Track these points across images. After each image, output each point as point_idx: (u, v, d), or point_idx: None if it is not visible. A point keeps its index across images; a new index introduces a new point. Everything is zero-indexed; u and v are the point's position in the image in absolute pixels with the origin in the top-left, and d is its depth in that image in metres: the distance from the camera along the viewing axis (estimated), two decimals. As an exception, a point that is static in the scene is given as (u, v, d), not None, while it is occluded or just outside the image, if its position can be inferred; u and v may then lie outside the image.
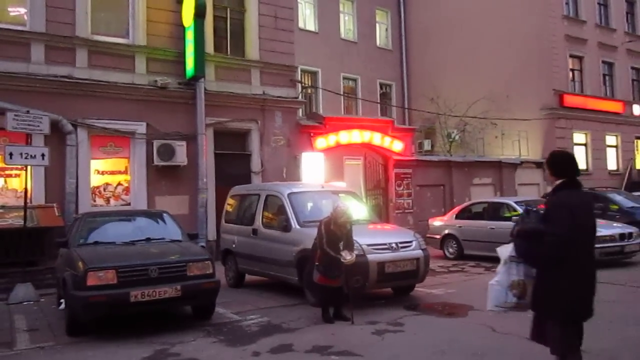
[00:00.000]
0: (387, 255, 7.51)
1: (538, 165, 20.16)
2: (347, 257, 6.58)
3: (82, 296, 6.06)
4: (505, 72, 21.40)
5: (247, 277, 9.69)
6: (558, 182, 3.86)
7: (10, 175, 10.96)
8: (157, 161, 11.94)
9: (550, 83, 20.96)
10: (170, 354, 5.66)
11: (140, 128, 12.02)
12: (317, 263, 6.68)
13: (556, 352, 3.89)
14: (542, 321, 3.90)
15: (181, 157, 12.16)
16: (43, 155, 9.01)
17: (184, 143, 12.23)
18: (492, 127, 20.07)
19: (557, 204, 3.78)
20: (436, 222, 13.64)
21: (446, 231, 13.03)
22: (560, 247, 3.66)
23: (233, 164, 13.33)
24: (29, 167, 9.58)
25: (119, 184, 12.04)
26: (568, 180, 3.84)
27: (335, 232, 6.70)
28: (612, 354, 5.18)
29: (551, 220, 3.74)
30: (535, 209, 4.27)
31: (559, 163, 3.92)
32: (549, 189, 19.38)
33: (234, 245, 9.60)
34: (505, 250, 4.14)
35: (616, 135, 23.59)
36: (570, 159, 3.92)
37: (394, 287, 8.24)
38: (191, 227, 10.65)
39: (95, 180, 11.74)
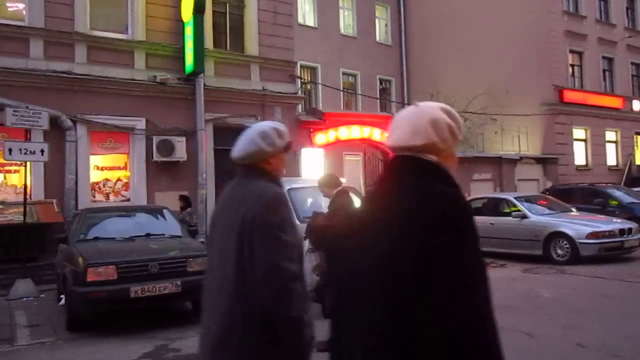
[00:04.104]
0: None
1: (538, 160, 20.17)
2: None
3: (82, 292, 6.06)
4: (505, 68, 21.35)
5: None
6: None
7: (9, 171, 10.94)
8: (156, 157, 11.93)
9: (550, 78, 20.92)
10: (170, 349, 5.67)
11: (140, 124, 12.00)
12: None
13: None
14: None
15: (181, 152, 12.14)
16: (42, 151, 9.00)
17: (183, 139, 12.22)
18: (492, 122, 20.03)
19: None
20: (436, 218, 13.61)
21: (446, 227, 12.99)
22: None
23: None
24: (28, 163, 9.56)
25: (119, 179, 12.02)
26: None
27: None
28: (613, 350, 5.18)
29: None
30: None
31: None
32: (549, 184, 19.24)
33: (233, 241, 9.56)
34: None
35: (616, 131, 23.56)
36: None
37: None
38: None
39: (95, 176, 11.72)
